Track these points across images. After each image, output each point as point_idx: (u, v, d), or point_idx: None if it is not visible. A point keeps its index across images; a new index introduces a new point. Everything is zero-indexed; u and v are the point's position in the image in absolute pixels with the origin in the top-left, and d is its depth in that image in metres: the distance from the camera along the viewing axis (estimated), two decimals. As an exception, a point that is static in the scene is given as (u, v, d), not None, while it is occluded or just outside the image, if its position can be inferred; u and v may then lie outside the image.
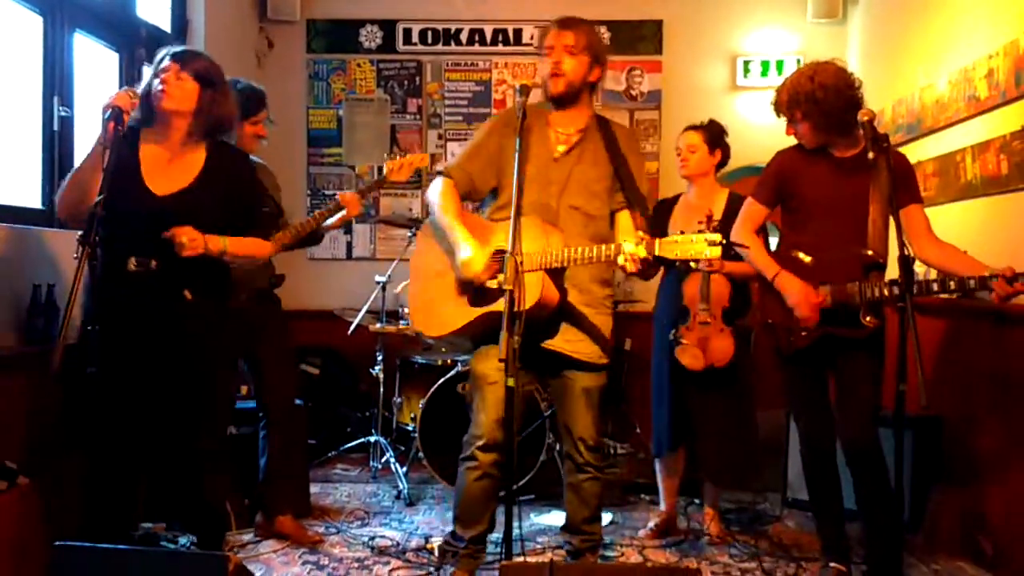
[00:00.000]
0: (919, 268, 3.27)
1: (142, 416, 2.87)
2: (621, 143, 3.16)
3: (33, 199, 3.69)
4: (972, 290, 2.90)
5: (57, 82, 3.74)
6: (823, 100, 3.07)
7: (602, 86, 5.71)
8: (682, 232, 2.72)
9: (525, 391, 3.26)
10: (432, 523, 4.17)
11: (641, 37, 6.07)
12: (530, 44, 6.00)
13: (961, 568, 3.62)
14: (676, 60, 6.05)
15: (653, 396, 4.06)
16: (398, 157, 3.98)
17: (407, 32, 6.12)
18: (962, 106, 4.07)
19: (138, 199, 2.77)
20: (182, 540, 3.67)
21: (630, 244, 2.70)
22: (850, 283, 3.06)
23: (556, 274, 2.95)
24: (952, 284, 2.90)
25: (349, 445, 5.20)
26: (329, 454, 5.25)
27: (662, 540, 3.95)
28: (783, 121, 3.32)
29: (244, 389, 4.25)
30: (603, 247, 2.84)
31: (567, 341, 3.08)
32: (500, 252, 2.96)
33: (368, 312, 4.86)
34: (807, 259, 3.19)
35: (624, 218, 3.16)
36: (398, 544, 3.86)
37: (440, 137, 6.11)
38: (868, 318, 3.04)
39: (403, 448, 5.09)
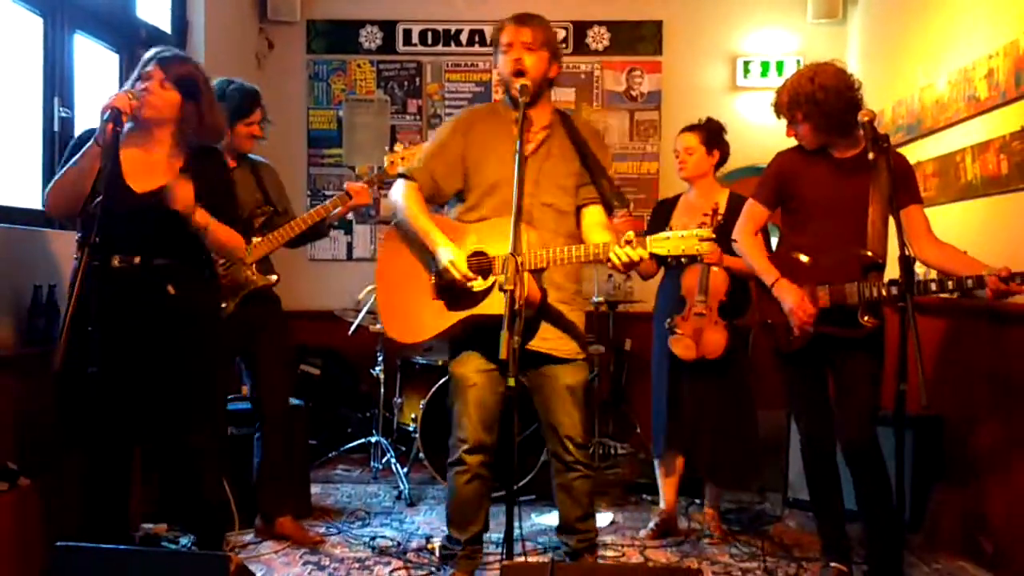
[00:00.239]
0: (919, 269, 3.27)
1: (138, 412, 2.87)
2: (586, 135, 3.15)
3: (33, 200, 3.69)
4: (970, 289, 2.91)
5: (57, 83, 3.74)
6: (823, 101, 3.08)
7: (603, 87, 5.74)
8: (672, 228, 2.75)
9: (503, 394, 3.22)
10: (433, 523, 4.17)
11: (641, 38, 6.08)
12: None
13: (962, 567, 3.62)
14: (676, 61, 6.05)
15: (653, 395, 4.06)
16: (400, 148, 3.97)
17: (407, 33, 6.12)
18: (962, 106, 4.07)
19: (119, 197, 2.76)
20: (183, 540, 3.68)
21: (621, 244, 2.73)
22: (849, 283, 3.07)
23: (536, 273, 2.93)
24: (950, 284, 2.90)
25: (350, 445, 5.20)
26: (330, 455, 5.25)
27: (663, 540, 3.95)
28: (783, 122, 3.32)
29: (244, 390, 4.25)
30: (590, 247, 2.85)
31: (544, 340, 3.07)
32: (477, 254, 2.97)
33: (369, 312, 4.86)
34: (805, 260, 3.19)
35: (594, 214, 3.15)
36: (399, 544, 3.86)
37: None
38: (866, 318, 3.04)
39: (404, 449, 5.09)
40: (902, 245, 2.72)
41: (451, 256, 2.91)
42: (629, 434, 5.58)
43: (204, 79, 2.97)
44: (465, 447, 3.12)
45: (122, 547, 2.54)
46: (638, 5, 6.07)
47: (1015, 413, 3.52)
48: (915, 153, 4.46)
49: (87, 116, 3.86)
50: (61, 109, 3.72)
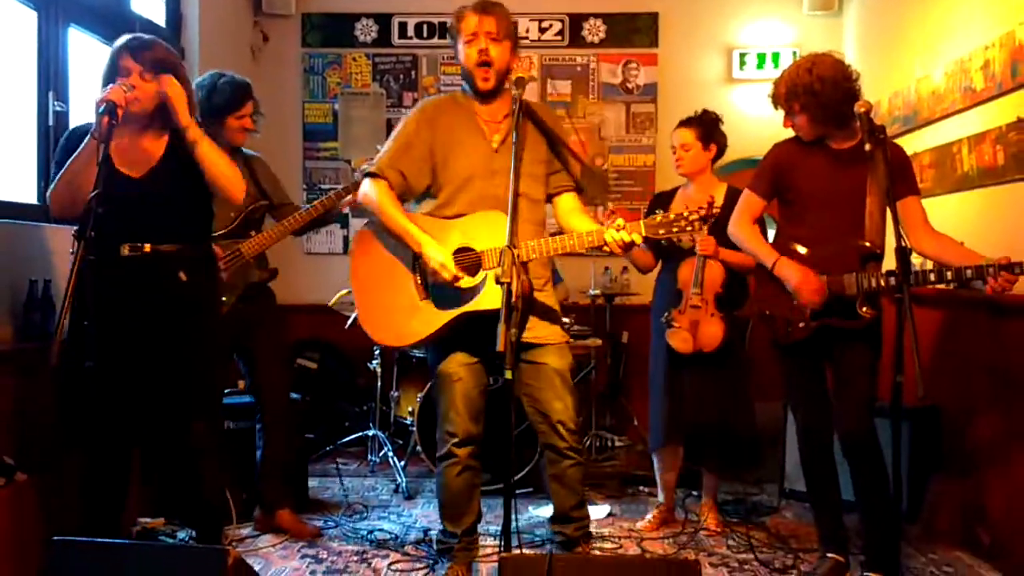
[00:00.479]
0: (915, 260, 3.27)
1: (138, 405, 2.88)
2: (548, 121, 3.13)
3: (28, 194, 3.69)
4: (969, 280, 2.91)
5: (52, 77, 3.72)
6: (821, 92, 3.07)
7: (599, 79, 5.72)
8: (663, 212, 2.80)
9: (488, 386, 3.22)
10: (431, 516, 4.17)
11: (637, 30, 6.06)
12: (525, 38, 6.00)
13: (959, 558, 3.63)
14: (672, 53, 6.04)
15: (650, 388, 4.06)
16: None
17: (402, 26, 6.11)
18: (958, 97, 4.07)
19: (118, 186, 2.77)
20: (180, 535, 3.68)
21: (614, 231, 2.77)
22: (847, 274, 3.07)
23: (523, 265, 2.89)
24: (949, 274, 2.90)
25: (347, 439, 5.21)
26: (327, 448, 5.26)
27: (660, 532, 3.96)
28: (779, 113, 3.32)
29: (241, 384, 4.25)
30: (584, 236, 2.87)
31: (530, 329, 3.05)
32: (463, 250, 2.96)
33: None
34: (804, 251, 3.19)
35: (568, 200, 3.16)
36: (397, 537, 3.86)
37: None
38: (864, 309, 3.05)
39: (401, 442, 5.09)
40: (898, 236, 2.72)
41: (440, 257, 2.90)
42: (626, 426, 5.59)
43: (173, 56, 2.94)
44: (455, 440, 3.12)
45: (120, 541, 2.54)
46: (634, -3, 6.07)
47: (1012, 404, 3.53)
48: (911, 144, 4.46)
49: (82, 110, 3.85)
50: (56, 103, 3.71)
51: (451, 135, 3.07)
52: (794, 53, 5.80)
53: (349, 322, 4.82)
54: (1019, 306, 3.41)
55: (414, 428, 4.61)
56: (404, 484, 4.59)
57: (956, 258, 2.98)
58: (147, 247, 2.85)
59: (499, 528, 3.74)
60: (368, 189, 3.07)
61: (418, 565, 3.53)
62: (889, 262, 2.88)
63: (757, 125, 5.34)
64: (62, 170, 2.78)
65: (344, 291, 4.72)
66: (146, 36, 2.94)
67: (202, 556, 2.40)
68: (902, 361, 2.67)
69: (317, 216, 3.84)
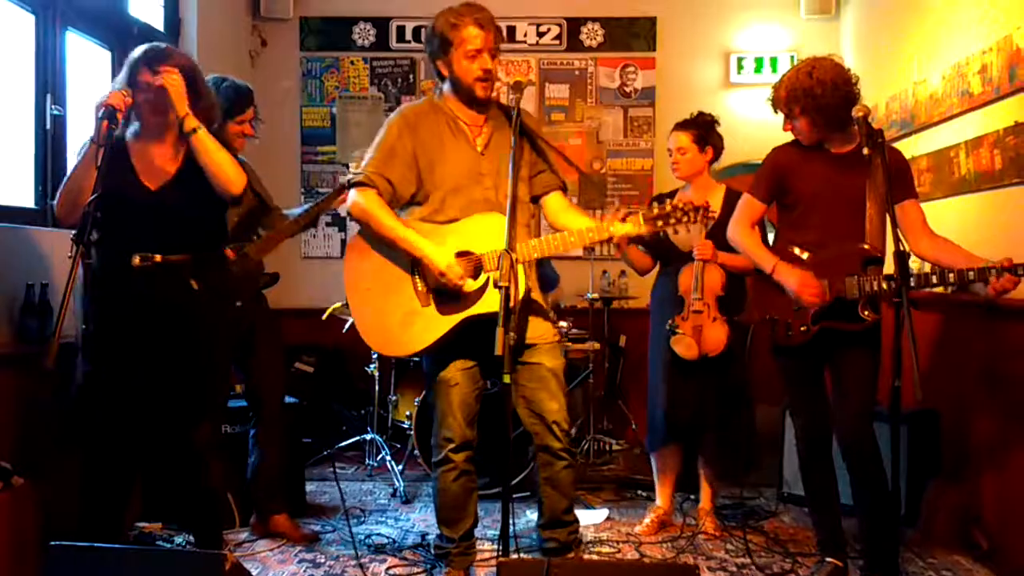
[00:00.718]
0: (914, 263, 3.27)
1: (145, 412, 2.88)
2: (527, 122, 3.11)
3: (26, 198, 3.68)
4: (971, 282, 2.91)
5: (49, 81, 3.72)
6: (821, 96, 3.07)
7: (597, 83, 5.73)
8: (659, 203, 2.83)
9: (483, 390, 3.22)
10: (428, 520, 4.16)
11: (635, 34, 6.07)
12: (523, 42, 6.01)
13: (957, 562, 3.63)
14: (670, 57, 6.05)
15: (649, 390, 4.06)
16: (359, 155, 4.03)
17: (400, 30, 6.11)
18: (955, 102, 4.07)
19: (135, 196, 2.80)
20: (178, 539, 3.67)
21: (621, 224, 2.81)
22: (848, 278, 3.07)
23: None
24: (951, 277, 2.90)
25: (345, 443, 5.19)
26: (325, 452, 5.24)
27: (658, 536, 3.96)
28: (777, 118, 3.32)
29: (239, 388, 4.24)
30: (595, 228, 2.88)
31: (525, 329, 3.06)
32: (463, 254, 2.96)
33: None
34: (804, 255, 3.19)
35: (557, 199, 3.16)
36: (394, 542, 3.85)
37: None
38: (866, 312, 3.05)
39: (399, 446, 5.08)
40: (897, 240, 2.73)
41: (445, 261, 2.89)
42: (624, 430, 5.59)
43: (192, 67, 2.95)
44: (452, 446, 3.11)
45: (118, 546, 2.54)
46: (632, 2, 6.07)
47: (1010, 408, 3.53)
48: (909, 148, 4.46)
49: (80, 114, 3.84)
50: (53, 107, 3.71)
51: (434, 141, 3.04)
52: (792, 58, 5.81)
53: (346, 326, 4.81)
54: (1016, 310, 3.42)
55: (412, 432, 4.60)
56: (402, 488, 4.58)
57: (956, 261, 2.98)
58: (158, 258, 2.85)
59: (497, 532, 3.73)
60: (358, 198, 3.01)
61: (416, 569, 3.52)
62: (890, 266, 2.88)
63: (755, 129, 5.35)
64: (66, 176, 2.81)
65: (338, 304, 4.71)
66: (161, 45, 2.95)
67: (200, 560, 2.39)
68: (900, 365, 2.68)
69: (313, 219, 3.87)
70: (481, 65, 2.98)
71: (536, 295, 3.15)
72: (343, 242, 6.11)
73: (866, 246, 3.07)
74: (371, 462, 5.05)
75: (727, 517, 4.20)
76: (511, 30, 6.00)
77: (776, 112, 3.29)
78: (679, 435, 3.95)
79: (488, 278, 2.92)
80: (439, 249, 2.92)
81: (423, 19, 6.05)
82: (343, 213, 5.67)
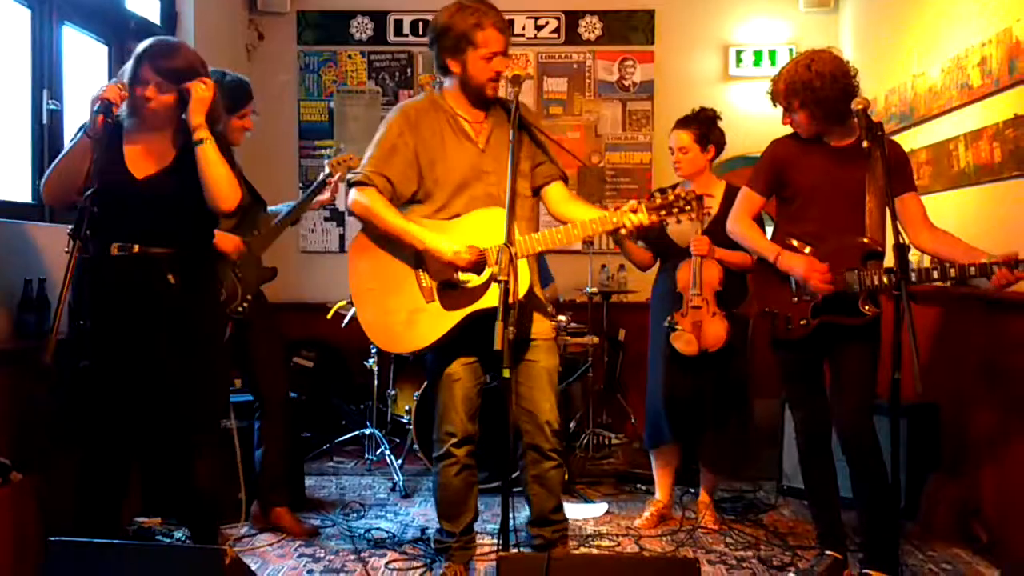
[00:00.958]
0: (913, 257, 3.27)
1: (133, 406, 2.86)
2: (526, 117, 3.10)
3: (23, 193, 3.67)
4: (972, 277, 2.90)
5: (46, 75, 3.71)
6: (820, 88, 3.07)
7: (595, 77, 5.72)
8: (662, 193, 2.85)
9: (485, 384, 3.21)
10: (428, 515, 4.16)
11: (633, 27, 6.06)
12: (521, 35, 6.00)
13: (957, 555, 3.63)
14: (668, 50, 6.04)
15: (649, 386, 4.06)
16: (338, 155, 4.05)
17: (398, 23, 6.09)
18: (955, 94, 4.07)
19: (119, 184, 2.77)
20: (177, 534, 3.66)
21: (631, 214, 2.80)
22: (848, 271, 3.07)
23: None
24: (952, 271, 2.89)
25: (344, 438, 5.20)
26: (324, 447, 5.25)
27: (658, 529, 3.96)
28: (776, 111, 3.31)
29: (238, 382, 4.25)
30: (598, 220, 2.87)
31: (528, 324, 3.06)
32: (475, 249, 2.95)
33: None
34: (806, 250, 3.18)
35: (558, 189, 3.15)
36: (394, 536, 3.85)
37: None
38: (867, 306, 3.05)
39: (398, 440, 5.08)
40: (896, 233, 2.72)
41: (451, 247, 2.88)
42: (623, 424, 5.59)
43: (199, 64, 2.92)
44: (454, 440, 3.11)
45: (117, 541, 2.53)
46: (630, -6, 6.07)
47: (1009, 401, 3.53)
48: (908, 141, 4.46)
49: (76, 108, 3.83)
50: (50, 101, 3.70)
51: (435, 139, 3.03)
52: (790, 51, 5.80)
53: (346, 320, 4.81)
54: (1016, 303, 3.42)
55: (411, 426, 4.60)
56: (401, 482, 4.58)
57: (956, 254, 2.98)
58: (136, 248, 2.82)
59: (496, 526, 3.73)
60: (358, 197, 2.99)
61: (415, 564, 3.52)
62: (891, 259, 2.88)
63: (754, 123, 5.35)
64: (56, 161, 2.78)
65: (342, 302, 4.71)
66: (170, 41, 2.91)
67: (199, 555, 2.39)
68: (900, 358, 2.68)
69: (298, 216, 3.96)
70: (495, 67, 2.98)
71: (539, 291, 3.15)
72: (341, 237, 6.10)
73: (866, 240, 3.07)
74: (370, 456, 5.06)
75: (727, 510, 4.20)
76: (509, 23, 5.96)
77: (775, 105, 3.28)
78: (679, 430, 3.94)
79: (491, 273, 2.91)
80: (443, 237, 2.91)
81: (420, 13, 6.04)
82: (342, 208, 5.70)
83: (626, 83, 6.06)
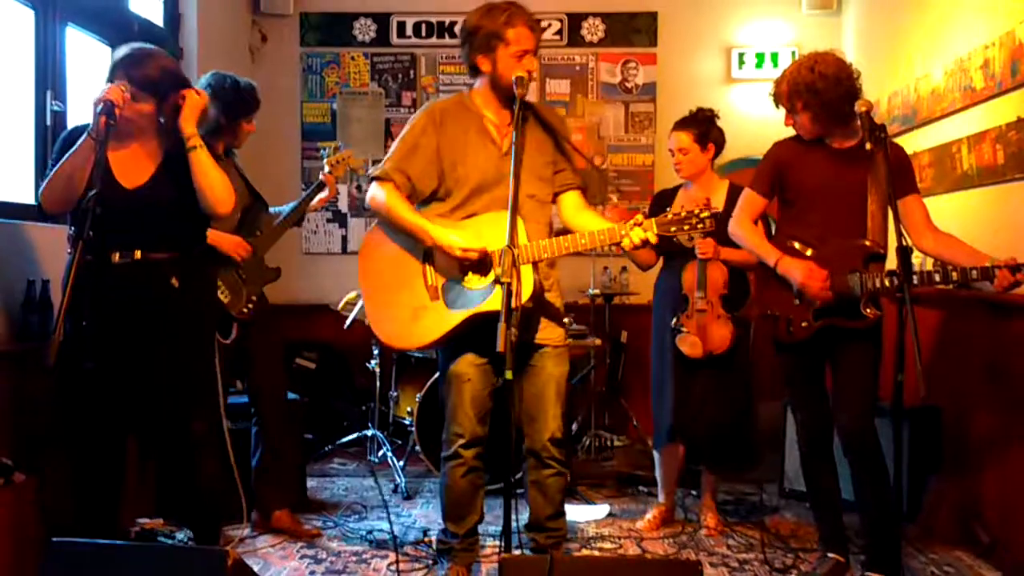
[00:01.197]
0: (917, 259, 3.27)
1: (132, 408, 2.87)
2: (552, 122, 3.12)
3: (26, 195, 3.67)
4: (974, 280, 2.90)
5: (50, 76, 3.71)
6: (823, 90, 3.07)
7: (598, 78, 5.72)
8: (668, 209, 2.81)
9: (495, 387, 3.20)
10: (430, 516, 4.16)
11: (636, 29, 6.06)
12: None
13: (959, 558, 3.63)
14: (671, 52, 6.04)
15: (653, 388, 4.06)
16: (335, 153, 4.05)
17: (401, 25, 6.10)
18: (958, 97, 4.06)
19: (111, 195, 2.76)
20: (179, 535, 3.66)
21: (635, 228, 2.76)
22: (850, 274, 3.07)
23: (534, 265, 2.90)
24: (954, 275, 2.89)
25: (346, 439, 5.20)
26: (326, 448, 5.25)
27: (660, 532, 3.96)
28: (778, 113, 3.31)
29: (239, 385, 4.25)
30: (606, 232, 2.85)
31: (535, 330, 3.06)
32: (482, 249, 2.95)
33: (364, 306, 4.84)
34: (807, 252, 3.18)
35: (573, 198, 3.15)
36: (396, 538, 3.85)
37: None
38: (869, 309, 3.04)
39: (400, 442, 5.08)
40: (899, 235, 2.72)
41: (453, 238, 2.88)
42: (625, 426, 5.58)
43: (174, 71, 2.92)
44: (462, 442, 3.11)
45: (119, 542, 2.53)
46: (633, -3, 6.07)
47: (1012, 404, 3.52)
48: (911, 144, 4.45)
49: (80, 110, 3.84)
50: (53, 103, 3.70)
51: (460, 139, 3.04)
52: (793, 53, 5.80)
53: (348, 322, 4.81)
54: (1019, 306, 3.41)
55: (413, 428, 4.60)
56: (403, 484, 4.58)
57: (959, 256, 2.98)
58: (137, 254, 2.84)
59: (498, 528, 3.73)
60: (375, 192, 3.04)
61: (417, 565, 3.52)
62: (892, 262, 2.88)
63: (756, 125, 5.34)
64: (56, 166, 2.77)
65: (352, 293, 4.71)
66: (143, 49, 2.89)
67: (202, 557, 2.39)
68: (903, 361, 2.67)
69: (298, 217, 3.96)
70: (526, 66, 2.96)
71: (555, 298, 3.14)
72: (344, 238, 6.10)
73: (867, 242, 3.07)
74: (372, 458, 5.06)
75: (729, 513, 4.20)
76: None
77: (778, 107, 3.29)
78: (683, 433, 3.94)
79: (495, 275, 2.91)
80: (452, 232, 2.92)
81: (423, 14, 6.05)
82: (345, 209, 5.70)
83: (628, 85, 6.06)
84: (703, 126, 3.87)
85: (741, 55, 5.96)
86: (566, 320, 3.27)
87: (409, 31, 6.09)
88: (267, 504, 3.88)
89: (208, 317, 3.08)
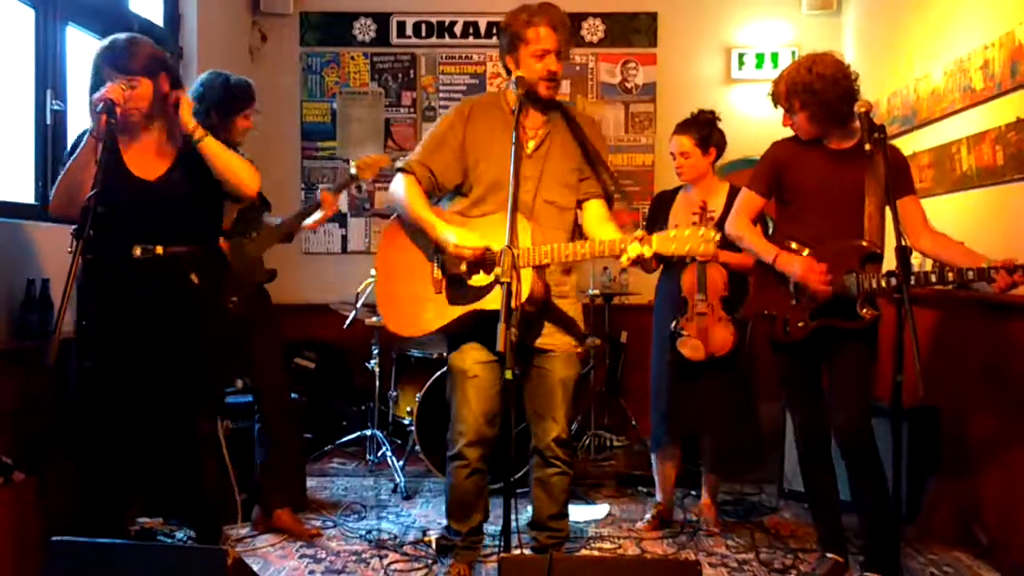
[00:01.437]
0: (914, 260, 3.27)
1: (142, 406, 2.88)
2: (586, 130, 3.13)
3: (26, 194, 3.67)
4: (971, 281, 2.91)
5: (50, 76, 3.71)
6: (821, 91, 3.07)
7: (598, 79, 5.72)
8: (677, 227, 2.75)
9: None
10: (429, 516, 4.17)
11: (636, 30, 6.06)
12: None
13: (957, 558, 3.63)
14: (671, 53, 6.04)
15: (652, 389, 4.06)
16: (365, 158, 4.02)
17: (401, 25, 6.10)
18: (957, 97, 4.07)
19: (129, 188, 2.79)
20: (179, 535, 3.67)
21: (635, 243, 2.71)
22: (847, 274, 3.07)
23: (539, 269, 2.90)
24: (951, 275, 2.90)
25: (345, 439, 5.20)
26: (325, 448, 5.25)
27: (659, 532, 3.96)
28: (778, 113, 3.32)
29: (240, 384, 4.25)
30: (606, 244, 2.82)
31: (542, 334, 3.06)
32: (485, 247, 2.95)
33: (364, 306, 4.85)
34: (804, 252, 3.19)
35: (596, 207, 3.14)
36: (395, 537, 3.85)
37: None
38: (865, 310, 3.05)
39: (399, 442, 5.08)
40: (899, 236, 2.72)
41: (457, 239, 2.89)
42: (625, 426, 5.58)
43: (156, 52, 2.90)
44: (465, 440, 3.11)
45: (120, 541, 2.53)
46: (633, -3, 6.07)
47: (1010, 404, 3.53)
48: (910, 144, 4.46)
49: (80, 109, 3.83)
50: (54, 102, 3.70)
51: (485, 136, 3.06)
52: (793, 53, 5.80)
53: (347, 322, 4.82)
54: (1017, 306, 3.42)
55: (413, 428, 4.61)
56: (403, 484, 4.58)
57: (956, 257, 2.99)
58: (159, 249, 2.84)
59: (498, 528, 3.73)
60: (396, 182, 3.10)
61: (416, 565, 3.52)
62: (889, 262, 2.88)
63: (756, 125, 5.34)
64: (63, 170, 2.78)
65: (370, 279, 4.72)
66: (121, 39, 2.85)
67: (202, 556, 2.39)
68: (902, 361, 2.68)
69: (286, 232, 3.92)
70: (547, 66, 2.98)
71: (569, 305, 3.13)
72: (344, 238, 6.10)
73: (864, 243, 3.08)
74: (372, 458, 5.06)
75: (728, 513, 4.21)
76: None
77: (776, 107, 3.30)
78: (683, 434, 3.95)
79: (497, 275, 2.91)
80: (456, 230, 2.93)
81: (423, 14, 6.05)
82: (345, 209, 5.69)
83: (628, 85, 6.06)
84: (704, 130, 3.87)
85: (741, 55, 5.96)
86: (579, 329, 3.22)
87: (409, 31, 6.09)
88: (267, 504, 3.88)
89: (221, 312, 3.10)
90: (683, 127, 3.91)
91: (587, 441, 5.29)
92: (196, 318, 2.92)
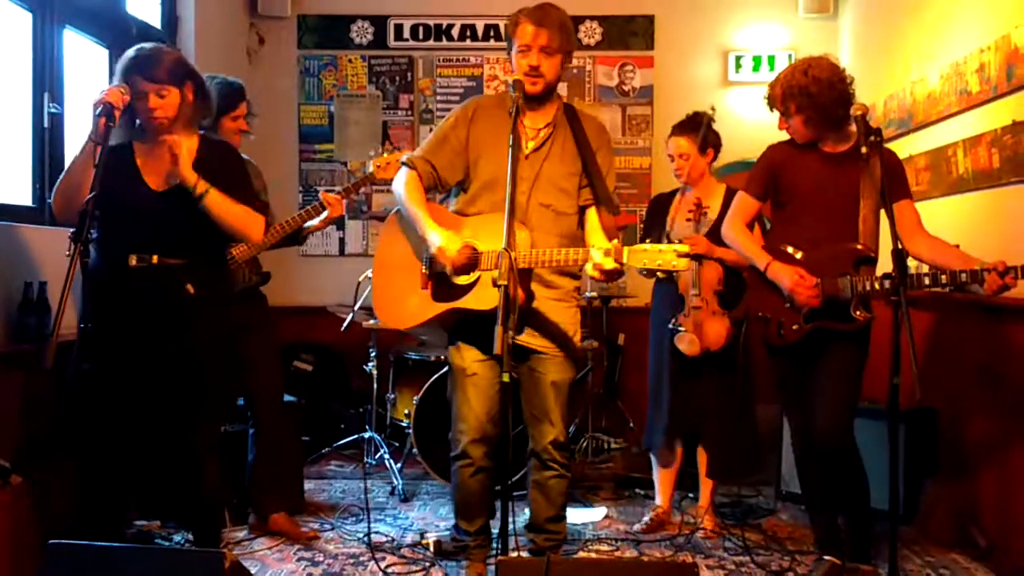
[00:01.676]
0: (909, 263, 3.28)
1: (140, 412, 2.88)
2: (590, 136, 3.12)
3: (24, 196, 3.67)
4: (964, 283, 2.92)
5: (47, 79, 3.72)
6: (817, 94, 3.08)
7: (595, 81, 5.73)
8: (650, 241, 2.70)
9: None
10: (427, 519, 4.17)
11: (633, 32, 6.07)
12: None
13: (955, 560, 3.64)
14: (668, 55, 6.05)
15: (650, 391, 4.06)
16: (385, 154, 3.98)
17: (398, 28, 6.10)
18: (953, 100, 4.08)
19: (136, 196, 2.80)
20: (176, 538, 3.67)
21: (598, 254, 2.68)
22: (841, 277, 3.08)
23: (522, 274, 2.84)
24: (944, 278, 2.91)
25: (343, 442, 5.20)
26: (323, 451, 5.25)
27: (657, 535, 3.96)
28: (774, 116, 3.33)
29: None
30: (570, 252, 2.82)
31: (534, 336, 3.06)
32: (468, 247, 2.95)
33: (361, 308, 4.85)
34: (798, 254, 3.20)
35: (591, 215, 3.12)
36: (393, 540, 3.85)
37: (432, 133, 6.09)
38: (858, 312, 3.06)
39: (397, 444, 5.07)
40: (895, 239, 2.73)
41: (441, 242, 2.90)
42: (622, 429, 5.58)
43: (183, 60, 2.95)
44: (467, 439, 3.10)
45: (117, 545, 2.53)
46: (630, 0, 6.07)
47: (1007, 406, 3.54)
48: (907, 147, 4.47)
49: (77, 112, 3.84)
50: (51, 105, 3.70)
51: (487, 135, 3.07)
52: (789, 56, 5.81)
53: (345, 324, 4.82)
54: (1014, 309, 3.42)
55: (410, 431, 4.60)
56: (400, 487, 4.58)
57: (951, 261, 2.99)
58: (155, 258, 2.84)
59: (496, 530, 3.73)
60: (398, 177, 3.15)
61: (414, 568, 3.52)
62: (883, 265, 2.89)
63: (753, 128, 5.35)
64: (63, 173, 2.79)
65: (370, 271, 4.71)
66: (148, 47, 2.89)
67: (199, 559, 2.39)
68: (899, 363, 2.68)
69: (287, 234, 3.84)
70: (528, 61, 2.99)
71: (564, 309, 3.10)
72: (341, 240, 6.10)
73: (859, 246, 3.09)
74: (369, 461, 5.06)
75: (726, 515, 4.20)
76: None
77: (772, 110, 3.30)
78: (680, 434, 3.95)
79: (479, 275, 2.92)
80: (442, 232, 2.94)
81: (420, 17, 6.06)
82: (344, 211, 5.68)
83: (626, 88, 6.07)
84: (701, 130, 3.88)
85: (738, 58, 5.97)
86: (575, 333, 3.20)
87: (406, 34, 6.10)
88: (264, 507, 3.87)
89: (223, 324, 3.07)
90: (680, 128, 3.93)
91: (585, 443, 5.29)
92: (192, 328, 2.91)
